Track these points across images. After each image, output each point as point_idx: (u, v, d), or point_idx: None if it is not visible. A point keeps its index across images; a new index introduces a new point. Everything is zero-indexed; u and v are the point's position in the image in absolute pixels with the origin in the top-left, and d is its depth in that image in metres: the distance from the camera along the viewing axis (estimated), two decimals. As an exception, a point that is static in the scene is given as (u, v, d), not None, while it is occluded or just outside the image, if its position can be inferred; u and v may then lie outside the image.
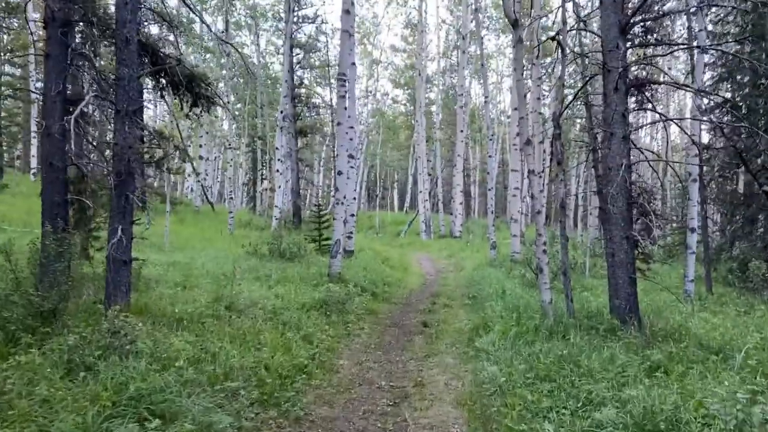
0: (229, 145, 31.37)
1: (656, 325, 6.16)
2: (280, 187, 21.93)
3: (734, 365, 4.76)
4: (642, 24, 8.55)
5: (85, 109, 7.22)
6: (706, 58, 12.00)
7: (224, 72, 27.14)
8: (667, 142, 8.67)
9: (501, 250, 17.22)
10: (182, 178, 36.20)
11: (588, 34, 15.69)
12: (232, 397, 4.28)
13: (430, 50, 34.87)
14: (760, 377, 4.27)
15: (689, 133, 9.49)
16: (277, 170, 22.72)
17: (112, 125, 6.37)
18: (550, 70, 25.79)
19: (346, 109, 11.84)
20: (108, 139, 9.50)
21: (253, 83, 30.90)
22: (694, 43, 10.11)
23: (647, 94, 7.74)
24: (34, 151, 23.03)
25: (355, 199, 18.67)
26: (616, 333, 5.93)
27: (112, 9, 6.68)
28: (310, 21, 25.73)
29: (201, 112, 8.28)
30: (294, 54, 24.26)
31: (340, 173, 11.16)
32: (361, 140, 35.90)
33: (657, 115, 7.58)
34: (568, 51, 8.25)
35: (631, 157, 6.70)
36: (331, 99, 25.84)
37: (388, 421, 4.40)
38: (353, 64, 15.61)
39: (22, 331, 4.57)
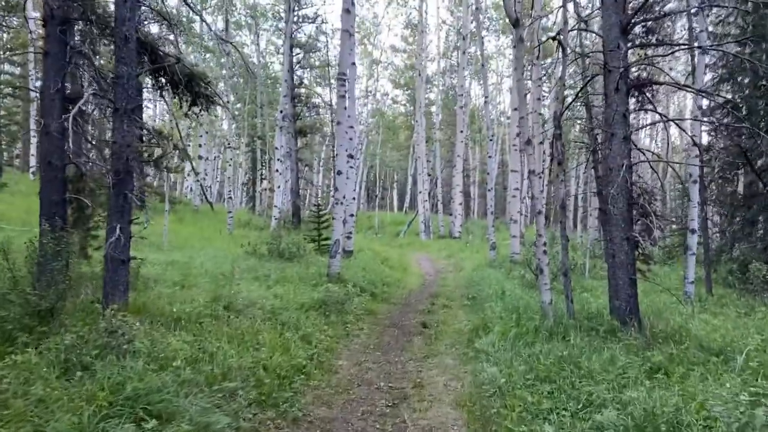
0: (229, 144, 31.34)
1: (656, 327, 6.13)
2: (279, 187, 21.90)
3: (735, 367, 4.73)
4: (643, 24, 8.54)
5: (84, 108, 7.19)
6: (707, 59, 11.98)
7: (224, 71, 27.14)
8: (668, 143, 8.64)
9: (500, 250, 17.20)
10: (182, 178, 36.21)
11: (588, 35, 15.70)
12: (230, 397, 4.25)
13: (430, 51, 34.90)
14: (762, 379, 4.23)
15: (690, 134, 9.46)
16: (277, 170, 22.70)
17: (111, 124, 6.34)
18: (550, 71, 25.79)
19: (345, 108, 11.81)
20: (107, 137, 9.46)
21: (252, 83, 30.89)
22: (695, 44, 10.09)
23: (648, 94, 7.72)
24: (33, 149, 22.98)
25: (354, 199, 18.64)
26: (617, 334, 5.91)
27: (112, 7, 6.64)
28: (310, 21, 25.71)
29: (200, 111, 8.25)
30: (294, 54, 24.24)
31: (339, 173, 11.13)
32: (361, 140, 35.89)
33: (657, 116, 7.56)
34: (569, 51, 8.22)
35: (632, 158, 6.67)
36: (330, 99, 25.80)
37: (387, 422, 4.37)
38: (353, 63, 15.58)
39: (18, 330, 4.53)
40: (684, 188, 14.21)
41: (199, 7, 22.73)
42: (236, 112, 33.05)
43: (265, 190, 30.91)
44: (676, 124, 8.17)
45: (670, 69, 23.99)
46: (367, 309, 8.87)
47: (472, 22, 24.60)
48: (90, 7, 6.58)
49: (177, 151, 8.36)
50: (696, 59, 11.11)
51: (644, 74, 9.09)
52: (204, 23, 21.48)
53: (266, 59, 34.19)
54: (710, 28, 13.26)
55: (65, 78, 6.38)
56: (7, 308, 4.79)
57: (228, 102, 23.66)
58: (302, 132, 25.29)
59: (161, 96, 7.96)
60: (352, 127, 15.56)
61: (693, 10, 11.03)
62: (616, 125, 6.50)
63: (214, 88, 8.57)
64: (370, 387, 5.26)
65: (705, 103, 11.95)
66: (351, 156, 15.47)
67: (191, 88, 7.59)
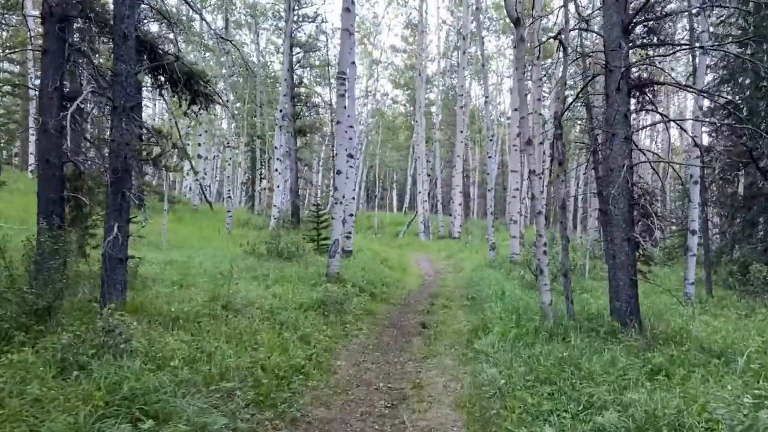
0: (228, 144, 31.32)
1: (657, 328, 6.11)
2: (278, 186, 21.86)
3: (736, 369, 4.70)
4: (644, 24, 8.51)
5: (83, 106, 7.17)
6: (708, 59, 11.96)
7: (224, 70, 27.10)
8: (669, 144, 8.62)
9: (500, 251, 17.17)
10: (181, 177, 36.17)
11: (589, 36, 15.69)
12: (227, 397, 4.22)
13: (431, 51, 34.87)
14: (764, 381, 4.20)
15: (691, 135, 9.44)
16: (276, 170, 22.66)
17: (110, 122, 6.31)
18: (550, 72, 25.78)
19: (345, 108, 11.78)
20: (106, 136, 9.44)
21: (252, 82, 30.85)
22: (696, 44, 10.07)
23: (649, 95, 7.70)
24: (32, 148, 22.89)
25: (354, 198, 18.60)
26: (617, 335, 5.88)
27: (111, 5, 6.62)
28: (310, 20, 25.70)
29: (199, 110, 8.23)
30: (294, 53, 24.22)
31: (339, 172, 11.09)
32: (361, 140, 35.86)
33: (658, 117, 7.53)
34: (569, 51, 8.19)
35: (633, 158, 6.65)
36: (330, 98, 25.76)
37: (386, 423, 4.34)
38: (353, 63, 15.56)
39: (15, 329, 4.50)
40: (684, 189, 14.18)
41: (198, 6, 22.69)
42: (236, 111, 33.00)
43: (265, 189, 30.86)
44: (678, 125, 8.15)
45: (671, 69, 23.98)
46: (366, 309, 8.83)
47: (472, 22, 24.58)
48: (89, 4, 6.56)
49: (176, 150, 8.35)
50: (697, 60, 11.09)
51: (645, 75, 9.07)
52: (204, 22, 21.44)
53: (266, 58, 34.20)
54: (711, 29, 13.24)
55: (64, 76, 6.35)
56: (4, 307, 4.75)
57: (227, 101, 23.62)
58: (302, 131, 25.26)
59: (160, 95, 7.93)
60: (351, 126, 15.53)
61: (694, 11, 11.01)
62: (617, 125, 6.47)
63: (213, 87, 8.54)
64: (369, 387, 5.22)
65: (706, 103, 11.92)
66: (351, 155, 15.44)
67: (190, 87, 7.57)
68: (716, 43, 10.83)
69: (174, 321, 5.58)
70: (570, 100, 8.87)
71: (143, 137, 7.24)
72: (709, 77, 13.57)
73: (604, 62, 6.76)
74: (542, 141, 23.54)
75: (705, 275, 11.19)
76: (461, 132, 26.84)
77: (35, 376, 3.72)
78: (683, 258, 12.00)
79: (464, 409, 4.63)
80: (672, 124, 7.73)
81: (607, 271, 6.81)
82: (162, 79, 7.56)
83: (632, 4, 7.94)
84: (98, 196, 7.22)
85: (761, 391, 3.44)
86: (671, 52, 9.86)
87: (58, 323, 4.74)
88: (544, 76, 23.91)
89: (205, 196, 12.17)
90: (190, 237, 15.16)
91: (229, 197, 22.37)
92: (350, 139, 15.16)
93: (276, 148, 22.60)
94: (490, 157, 19.64)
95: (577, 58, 12.30)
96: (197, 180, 26.81)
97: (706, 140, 14.70)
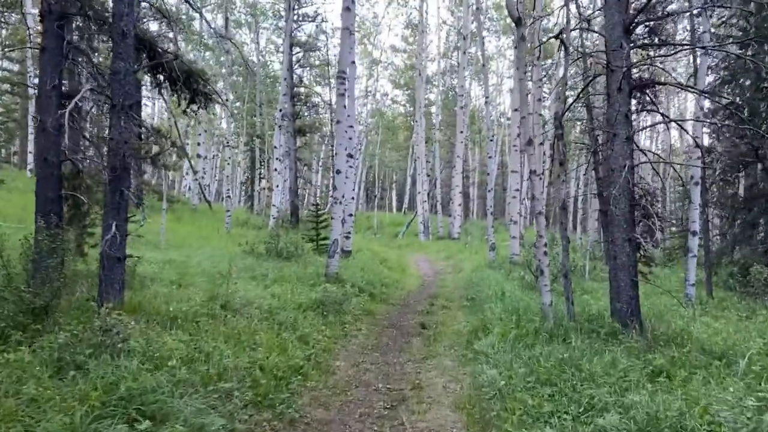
0: (228, 143, 31.26)
1: (658, 329, 6.08)
2: (278, 186, 21.82)
3: (738, 371, 4.67)
4: (646, 24, 8.48)
5: (81, 104, 7.13)
6: (709, 60, 11.94)
7: (223, 69, 27.07)
8: (669, 145, 8.60)
9: (500, 251, 17.13)
10: (180, 176, 36.13)
11: (590, 36, 15.66)
12: (225, 398, 4.18)
13: (431, 51, 34.84)
14: (766, 383, 4.17)
15: (692, 135, 9.41)
16: (275, 169, 22.61)
17: (109, 120, 6.27)
18: (550, 72, 25.76)
19: (345, 107, 11.75)
20: (104, 134, 9.39)
21: (252, 81, 30.80)
22: (698, 45, 10.04)
23: (650, 95, 7.68)
24: (31, 146, 22.83)
25: (353, 198, 18.57)
26: (618, 336, 5.85)
27: (110, 3, 6.58)
28: (310, 19, 25.64)
29: (199, 109, 8.19)
30: (294, 53, 24.17)
31: (338, 172, 11.06)
32: (360, 140, 35.81)
33: (658, 117, 7.51)
34: (571, 50, 8.17)
35: (633, 159, 6.62)
36: (330, 98, 25.73)
37: (385, 425, 4.31)
38: (353, 62, 15.53)
39: (12, 328, 4.47)
40: (685, 190, 14.15)
41: (198, 5, 22.64)
42: (235, 111, 32.96)
43: (264, 189, 30.82)
44: (679, 125, 8.12)
45: (672, 70, 23.96)
46: (365, 309, 8.80)
47: (472, 23, 24.55)
48: (88, 2, 6.52)
49: (175, 149, 8.31)
50: (698, 60, 11.07)
51: (646, 75, 9.04)
52: (203, 21, 21.41)
53: (266, 58, 34.15)
54: (712, 30, 13.23)
55: (62, 74, 6.32)
56: (1, 305, 4.72)
57: (227, 100, 23.59)
58: (301, 131, 25.21)
59: (160, 93, 7.88)
60: (351, 126, 15.50)
61: (695, 11, 10.99)
62: (618, 125, 6.44)
63: (212, 86, 8.51)
64: (368, 388, 5.19)
65: (707, 104, 11.90)
66: (350, 155, 15.41)
67: (190, 86, 7.53)
68: (717, 44, 10.80)
69: (172, 321, 5.54)
70: (571, 100, 8.84)
71: (142, 136, 7.19)
72: (710, 78, 13.56)
73: (605, 62, 6.73)
74: (542, 141, 23.51)
75: (705, 276, 11.16)
76: (461, 132, 26.81)
77: (31, 375, 3.70)
78: (683, 259, 11.97)
79: (464, 410, 4.59)
80: (673, 124, 7.71)
81: (608, 272, 6.78)
82: (161, 77, 7.51)
83: (633, 4, 7.91)
84: (97, 195, 7.17)
85: (764, 394, 3.41)
86: (672, 52, 9.83)
87: (55, 322, 4.71)
88: (545, 76, 23.88)
89: (204, 196, 12.16)
90: (188, 236, 15.11)
91: (228, 197, 22.32)
92: (350, 138, 15.13)
93: (275, 147, 22.56)
94: (490, 157, 19.62)
95: (578, 58, 12.27)
96: (196, 179, 26.77)
97: (706, 141, 14.70)
